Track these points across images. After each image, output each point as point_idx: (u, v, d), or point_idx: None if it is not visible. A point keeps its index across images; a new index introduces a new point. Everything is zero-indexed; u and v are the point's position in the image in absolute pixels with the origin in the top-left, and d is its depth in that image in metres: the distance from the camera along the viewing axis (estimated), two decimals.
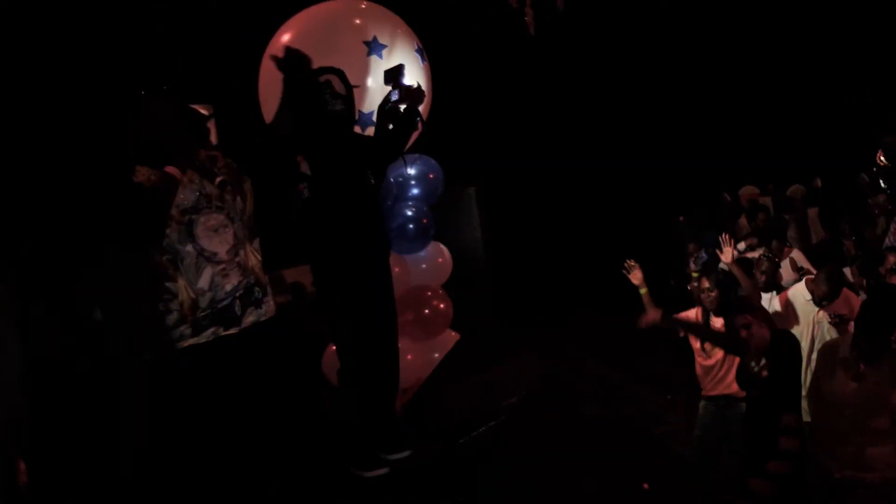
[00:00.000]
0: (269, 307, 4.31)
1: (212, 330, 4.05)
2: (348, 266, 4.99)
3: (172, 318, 3.99)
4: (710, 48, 12.33)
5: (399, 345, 5.38)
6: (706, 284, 6.95)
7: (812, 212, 11.88)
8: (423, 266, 6.87)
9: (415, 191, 6.77)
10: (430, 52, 6.62)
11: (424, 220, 6.77)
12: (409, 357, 6.35)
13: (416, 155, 6.82)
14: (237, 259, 4.17)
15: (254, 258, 4.26)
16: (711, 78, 12.53)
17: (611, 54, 11.31)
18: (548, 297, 10.09)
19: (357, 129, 5.92)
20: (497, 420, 5.97)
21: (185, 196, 4.21)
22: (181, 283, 4.00)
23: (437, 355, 6.71)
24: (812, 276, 7.41)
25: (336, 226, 5.01)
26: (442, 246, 7.01)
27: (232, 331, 4.10)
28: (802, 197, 12.03)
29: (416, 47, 6.49)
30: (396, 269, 6.28)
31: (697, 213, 11.79)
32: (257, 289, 4.25)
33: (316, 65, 5.65)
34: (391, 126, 5.55)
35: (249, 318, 4.18)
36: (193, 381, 4.11)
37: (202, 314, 4.02)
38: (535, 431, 6.21)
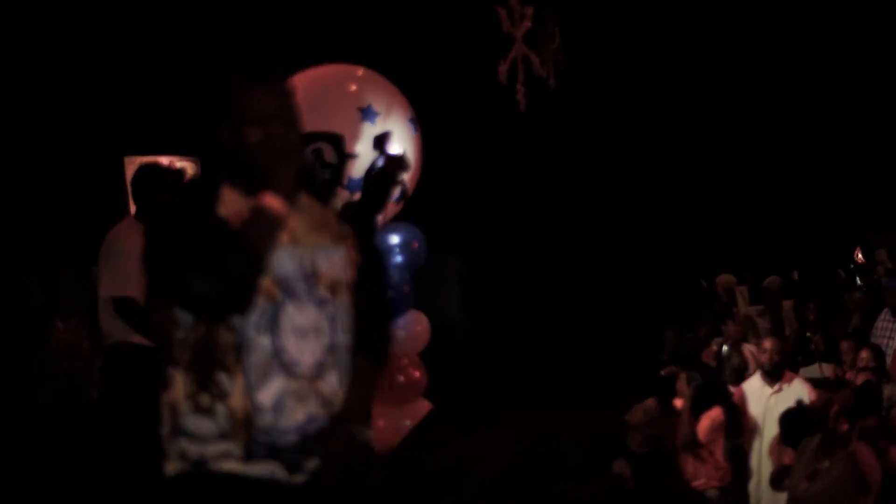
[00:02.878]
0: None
1: (269, 467, 2.70)
2: None
3: (216, 424, 2.70)
4: (693, 138, 12.51)
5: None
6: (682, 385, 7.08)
7: (787, 304, 11.98)
8: (402, 333, 6.89)
9: (397, 258, 6.82)
10: (422, 121, 6.71)
11: (406, 289, 6.80)
12: (380, 423, 6.33)
13: (400, 223, 6.88)
14: (319, 384, 2.77)
15: (340, 389, 2.85)
16: (699, 164, 12.69)
17: (602, 130, 11.47)
18: (527, 368, 10.10)
19: (346, 194, 5.98)
20: (466, 492, 5.97)
21: (284, 261, 2.82)
22: (239, 381, 2.69)
23: (408, 423, 6.71)
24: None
25: None
26: (421, 314, 7.03)
27: (296, 478, 2.73)
28: (778, 288, 12.14)
29: (410, 117, 6.58)
30: None
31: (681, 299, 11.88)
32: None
33: (311, 128, 5.71)
34: (373, 191, 5.61)
35: (311, 465, 2.75)
36: None
37: (261, 437, 2.68)
38: None
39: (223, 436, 2.67)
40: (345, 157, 5.63)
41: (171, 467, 2.79)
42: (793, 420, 6.10)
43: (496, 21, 8.30)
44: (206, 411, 2.69)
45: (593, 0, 9.53)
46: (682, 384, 7.26)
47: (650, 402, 7.04)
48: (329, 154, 5.49)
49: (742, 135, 12.70)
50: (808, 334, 9.97)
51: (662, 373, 8.72)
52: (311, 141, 5.54)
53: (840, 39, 11.21)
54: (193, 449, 2.72)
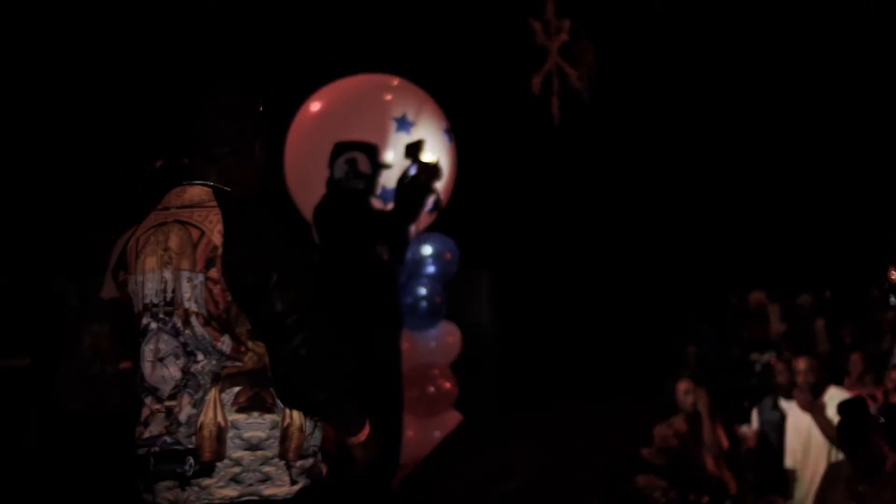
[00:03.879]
0: (207, 495, 2.58)
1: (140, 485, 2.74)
2: (354, 339, 4.98)
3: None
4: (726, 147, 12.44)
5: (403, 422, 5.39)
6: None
7: (819, 323, 11.89)
8: (433, 344, 6.89)
9: (430, 269, 6.82)
10: (457, 132, 6.72)
11: (437, 299, 6.80)
12: (409, 433, 6.33)
13: (434, 234, 6.88)
14: (170, 404, 2.62)
15: (217, 417, 2.59)
16: (731, 179, 12.63)
17: (635, 144, 11.43)
18: (555, 384, 10.06)
19: (379, 204, 5.99)
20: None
21: (151, 286, 2.68)
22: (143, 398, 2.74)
23: (438, 434, 6.70)
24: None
25: (342, 299, 4.96)
26: (453, 325, 7.03)
27: (147, 495, 2.68)
28: (811, 307, 12.04)
29: (445, 127, 6.59)
30: (405, 345, 6.30)
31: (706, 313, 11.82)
32: (190, 460, 2.58)
33: (345, 138, 5.71)
34: (406, 200, 5.61)
35: (164, 494, 2.63)
36: None
37: (138, 451, 2.70)
38: None
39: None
40: (378, 167, 5.64)
41: None
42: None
43: (531, 34, 8.31)
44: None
45: (626, 13, 9.51)
46: (681, 394, 7.16)
47: (679, 423, 6.95)
48: (364, 164, 5.50)
49: (777, 151, 12.62)
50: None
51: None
52: (345, 150, 5.55)
53: (864, 46, 11.14)
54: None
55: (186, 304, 2.59)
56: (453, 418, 6.84)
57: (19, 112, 7.35)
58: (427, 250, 6.85)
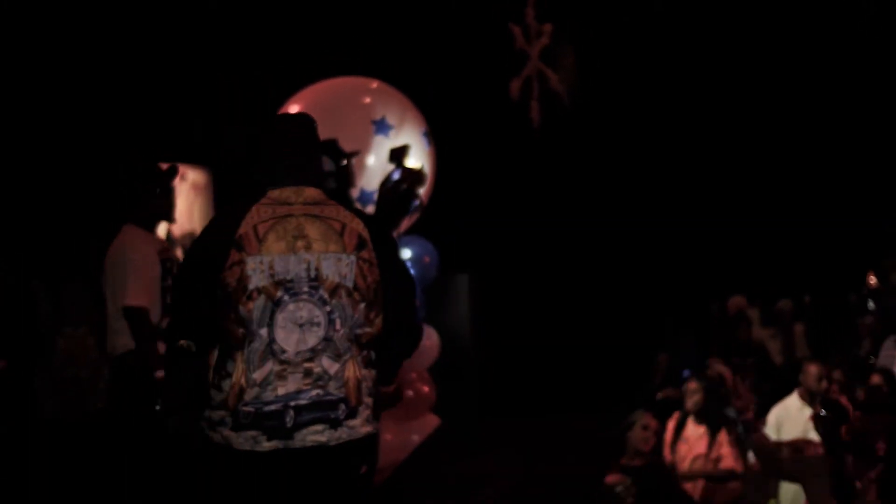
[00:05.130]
0: (355, 433, 3.26)
1: (252, 434, 3.22)
2: None
3: (219, 396, 3.27)
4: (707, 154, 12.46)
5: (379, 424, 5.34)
6: (693, 386, 7.00)
7: (798, 328, 11.91)
8: None
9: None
10: (436, 136, 6.69)
11: (416, 303, 6.74)
12: (387, 437, 6.28)
13: (413, 237, 6.84)
14: (308, 365, 3.23)
15: (355, 372, 3.27)
16: (709, 184, 12.64)
17: (614, 149, 11.41)
18: (534, 390, 10.04)
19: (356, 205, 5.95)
20: None
21: (289, 265, 3.29)
22: (240, 365, 3.25)
23: (416, 438, 6.66)
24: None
25: None
26: (431, 329, 6.99)
27: (276, 442, 3.22)
28: (790, 312, 12.06)
29: (424, 130, 6.56)
30: None
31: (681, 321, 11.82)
32: (343, 406, 3.25)
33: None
34: (388, 205, 5.56)
35: (312, 437, 3.23)
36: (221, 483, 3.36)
37: (244, 408, 3.21)
38: None
39: (222, 406, 3.25)
40: (342, 157, 5.57)
41: (202, 424, 3.37)
42: None
43: (510, 38, 8.30)
44: (218, 386, 3.28)
45: (609, 16, 9.50)
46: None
47: (648, 420, 6.92)
48: (326, 163, 5.42)
49: (755, 154, 12.62)
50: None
51: (659, 395, 8.64)
52: None
53: (856, 51, 11.16)
54: (208, 412, 3.32)
55: (335, 279, 3.28)
56: (431, 422, 6.80)
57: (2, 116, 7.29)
58: (406, 254, 6.81)
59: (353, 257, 3.30)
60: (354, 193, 6.12)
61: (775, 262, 12.83)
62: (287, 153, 3.46)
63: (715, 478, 6.91)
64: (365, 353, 3.31)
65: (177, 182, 5.50)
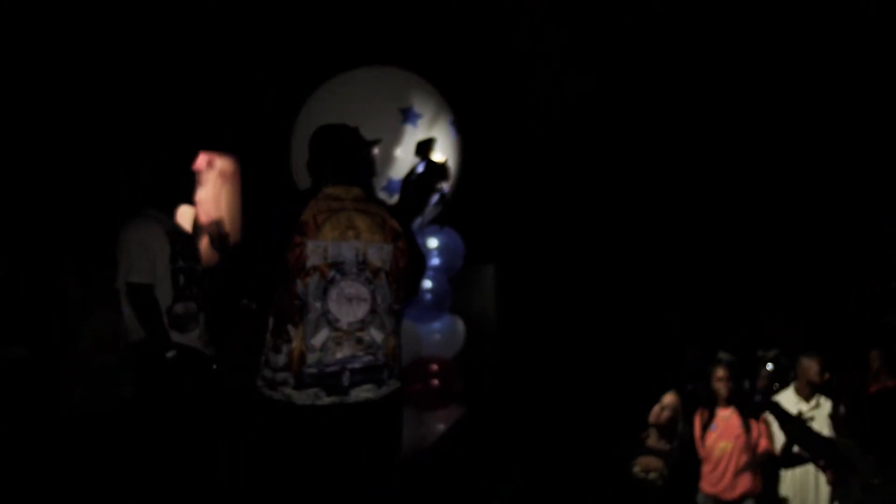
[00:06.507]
0: (393, 390, 4.06)
1: (314, 391, 3.90)
2: None
3: (280, 359, 3.91)
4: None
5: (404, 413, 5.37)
6: (721, 374, 6.98)
7: None
8: (437, 337, 6.86)
9: (435, 261, 6.79)
10: (463, 125, 6.68)
11: (442, 291, 6.77)
12: (412, 426, 6.30)
13: (440, 227, 6.84)
14: (360, 334, 3.97)
15: (393, 341, 4.05)
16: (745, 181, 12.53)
17: (644, 137, 11.34)
18: (558, 379, 10.00)
19: (384, 196, 5.96)
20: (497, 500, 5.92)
21: (343, 250, 4.01)
22: (300, 331, 3.91)
23: (441, 427, 6.67)
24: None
25: None
26: (458, 319, 7.00)
27: (334, 398, 3.92)
28: None
29: (451, 120, 6.55)
30: (407, 337, 6.25)
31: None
32: (386, 371, 4.02)
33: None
34: (411, 197, 5.56)
35: (363, 394, 3.96)
36: (285, 437, 3.95)
37: (308, 370, 3.89)
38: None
39: (285, 367, 3.90)
40: (364, 146, 5.56)
41: (259, 384, 4.00)
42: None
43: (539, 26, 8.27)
44: (278, 350, 3.93)
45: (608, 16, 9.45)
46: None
47: (670, 398, 6.87)
48: None
49: (788, 151, 12.51)
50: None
51: (689, 387, 8.61)
52: None
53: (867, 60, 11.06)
54: (269, 374, 3.95)
55: (377, 264, 4.02)
56: (456, 412, 6.81)
57: (22, 100, 7.32)
58: (433, 243, 6.82)
59: (390, 247, 4.05)
60: (381, 183, 6.13)
61: (810, 261, 12.69)
62: (337, 157, 4.23)
63: (756, 464, 6.92)
64: (397, 324, 4.07)
65: (204, 169, 5.53)
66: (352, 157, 4.28)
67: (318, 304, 3.92)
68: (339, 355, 3.92)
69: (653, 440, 6.64)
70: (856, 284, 11.40)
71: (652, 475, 6.25)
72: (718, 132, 11.34)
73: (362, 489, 4.02)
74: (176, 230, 5.38)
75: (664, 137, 11.19)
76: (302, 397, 3.88)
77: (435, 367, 6.75)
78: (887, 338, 9.39)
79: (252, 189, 5.71)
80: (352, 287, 3.96)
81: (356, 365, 3.94)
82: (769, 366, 8.05)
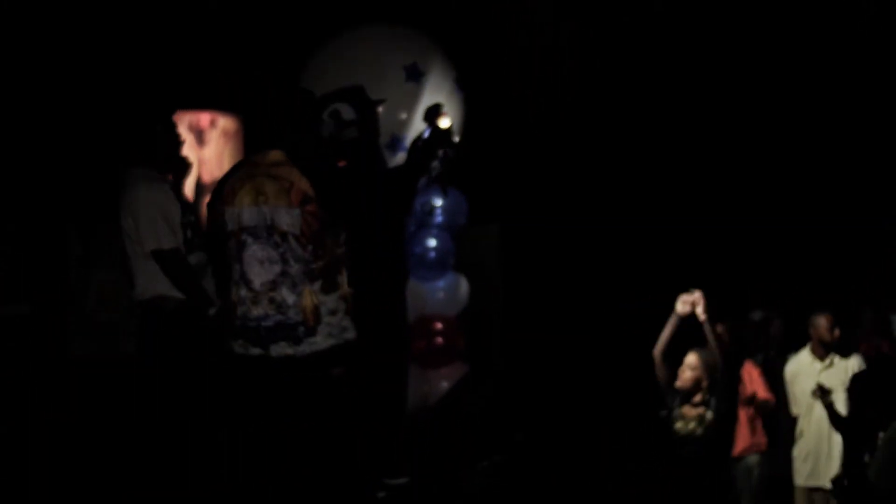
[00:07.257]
0: (316, 348, 4.12)
1: (241, 341, 4.14)
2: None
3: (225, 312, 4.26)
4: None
5: (408, 371, 5.38)
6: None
7: None
8: (441, 295, 6.86)
9: (439, 219, 6.79)
10: (468, 82, 6.65)
11: (446, 249, 6.77)
12: (416, 384, 6.32)
13: (444, 186, 6.81)
14: (272, 294, 4.10)
15: (311, 299, 4.10)
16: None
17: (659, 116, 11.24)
18: (561, 341, 9.99)
19: (390, 155, 5.96)
20: (501, 455, 5.95)
21: (249, 216, 4.13)
22: (232, 288, 4.17)
23: (445, 384, 6.70)
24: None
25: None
26: (462, 277, 7.00)
27: (259, 350, 4.11)
28: None
29: (454, 77, 6.52)
30: (411, 296, 6.25)
31: None
32: (302, 328, 4.09)
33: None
34: (416, 160, 5.53)
35: (282, 350, 4.10)
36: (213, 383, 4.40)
37: (237, 321, 4.13)
38: (540, 469, 6.18)
39: (228, 320, 4.20)
40: (367, 105, 5.51)
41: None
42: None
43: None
44: (227, 299, 4.23)
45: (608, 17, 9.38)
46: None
47: (692, 357, 6.68)
48: (346, 111, 5.39)
49: (799, 150, 12.37)
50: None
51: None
52: (325, 104, 5.42)
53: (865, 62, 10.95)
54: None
55: (283, 227, 4.05)
56: (460, 369, 6.83)
57: (25, 67, 7.28)
58: (437, 201, 6.81)
59: (297, 210, 4.06)
60: (384, 140, 6.10)
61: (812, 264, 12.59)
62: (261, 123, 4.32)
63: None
64: (320, 282, 4.10)
65: (207, 128, 5.51)
66: (274, 120, 4.30)
67: (237, 266, 4.15)
68: (254, 313, 4.11)
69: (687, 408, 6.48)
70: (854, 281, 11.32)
71: (691, 425, 6.17)
72: (718, 132, 11.25)
73: (285, 442, 4.12)
74: (170, 186, 5.38)
75: (698, 136, 11.06)
76: (236, 346, 4.16)
77: (439, 325, 6.76)
78: (880, 294, 9.41)
79: (255, 148, 5.67)
80: (263, 251, 4.10)
81: (269, 323, 4.09)
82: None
